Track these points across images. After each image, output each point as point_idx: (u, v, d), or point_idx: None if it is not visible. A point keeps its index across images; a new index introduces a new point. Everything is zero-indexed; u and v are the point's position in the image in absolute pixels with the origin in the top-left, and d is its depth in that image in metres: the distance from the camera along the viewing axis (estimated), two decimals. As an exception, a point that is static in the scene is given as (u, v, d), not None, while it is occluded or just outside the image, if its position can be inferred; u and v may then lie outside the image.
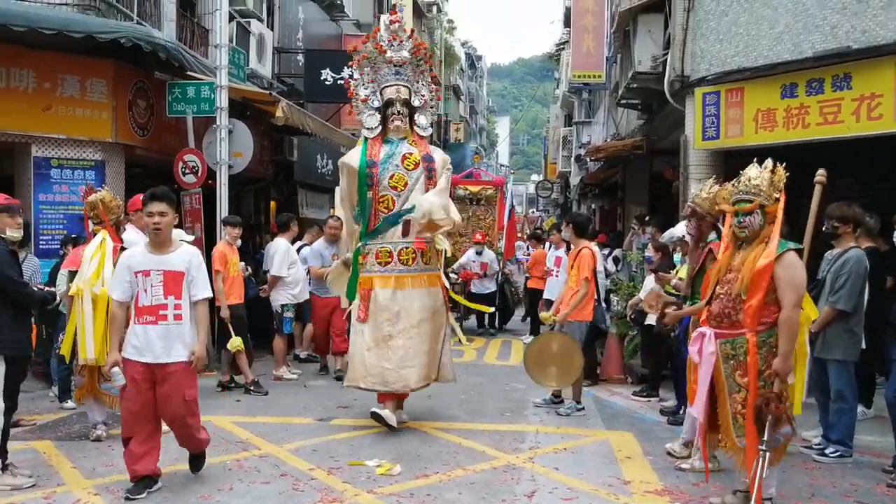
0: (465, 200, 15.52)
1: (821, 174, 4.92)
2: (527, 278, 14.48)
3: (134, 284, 5.00)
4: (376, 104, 7.05)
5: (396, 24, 7.18)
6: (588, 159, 20.28)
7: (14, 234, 5.52)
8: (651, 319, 8.43)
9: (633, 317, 9.01)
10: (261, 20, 14.35)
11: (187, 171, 10.31)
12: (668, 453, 6.22)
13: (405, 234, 6.85)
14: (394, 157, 6.87)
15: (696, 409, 4.95)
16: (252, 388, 8.52)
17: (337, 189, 8.67)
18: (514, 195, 18.19)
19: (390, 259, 6.82)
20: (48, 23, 8.51)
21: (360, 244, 6.99)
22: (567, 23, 27.37)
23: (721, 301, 4.82)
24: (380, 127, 7.03)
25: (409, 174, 6.86)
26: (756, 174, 4.76)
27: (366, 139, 7.02)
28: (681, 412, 7.11)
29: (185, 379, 5.04)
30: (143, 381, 4.99)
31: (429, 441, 6.63)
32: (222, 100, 10.22)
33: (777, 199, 4.69)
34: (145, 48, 9.11)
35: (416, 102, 7.14)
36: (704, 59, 9.70)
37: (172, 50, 9.62)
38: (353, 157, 6.98)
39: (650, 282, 8.43)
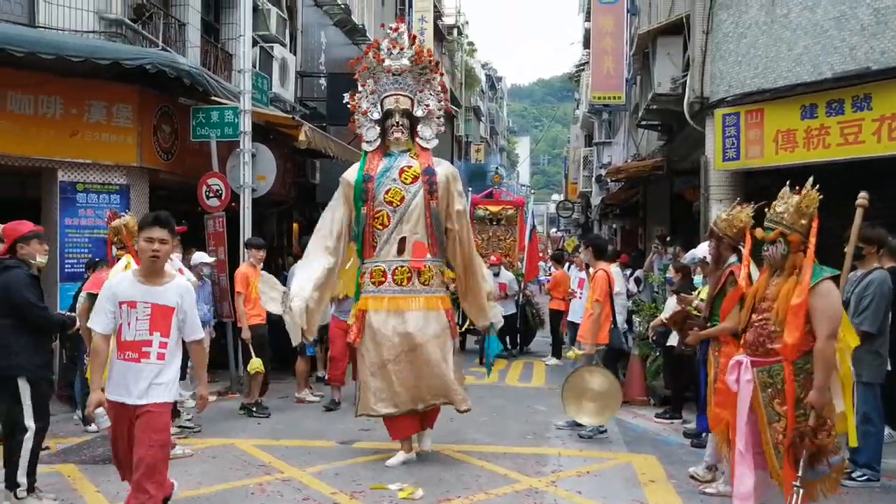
0: (484, 221, 15.34)
1: (863, 197, 4.78)
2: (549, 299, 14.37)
3: (117, 315, 4.40)
4: (376, 116, 6.67)
5: (396, 33, 6.76)
6: (609, 180, 20.27)
7: (42, 259, 5.62)
8: (673, 340, 8.38)
9: (654, 338, 8.97)
10: (283, 45, 14.54)
11: (211, 194, 10.43)
12: (692, 477, 6.17)
13: (400, 251, 6.38)
14: (391, 170, 6.46)
15: (739, 439, 4.87)
16: (255, 408, 8.52)
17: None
18: (535, 215, 18.01)
19: (384, 279, 6.38)
20: (76, 50, 8.68)
21: (358, 263, 6.79)
22: (587, 44, 27.47)
23: (756, 329, 4.73)
24: (379, 140, 6.66)
25: (407, 188, 6.40)
26: (782, 201, 4.63)
27: (365, 153, 6.67)
28: (704, 435, 7.05)
29: (159, 421, 4.39)
30: (125, 422, 4.42)
31: (451, 464, 6.62)
32: (246, 124, 10.35)
33: (803, 227, 4.54)
34: (170, 74, 9.25)
35: (418, 112, 6.67)
36: (724, 80, 9.72)
37: (196, 75, 9.77)
38: (351, 173, 6.64)
39: (672, 303, 8.40)
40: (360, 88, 6.79)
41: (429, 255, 6.42)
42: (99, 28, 9.97)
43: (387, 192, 6.41)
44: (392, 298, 6.35)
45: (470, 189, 17.32)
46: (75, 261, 9.48)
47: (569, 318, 11.81)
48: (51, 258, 6.24)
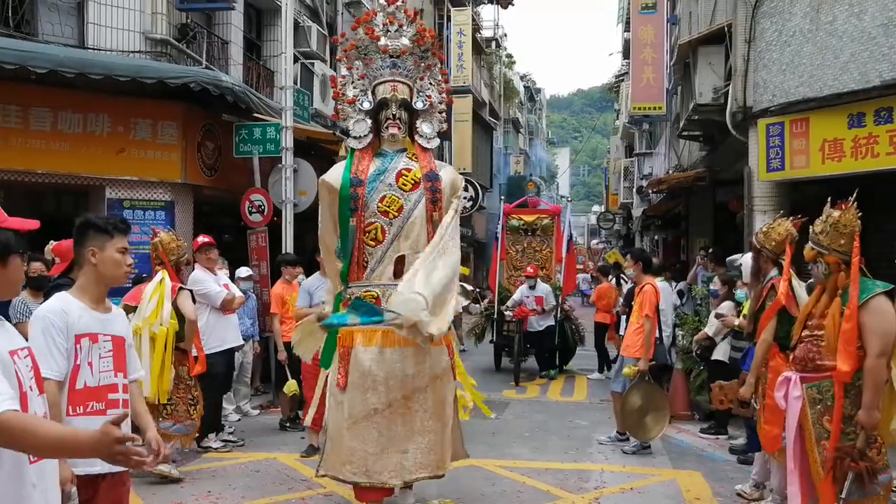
0: (518, 231, 14.48)
1: None
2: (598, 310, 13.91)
3: (72, 355, 3.19)
4: (366, 106, 5.33)
5: (393, 6, 5.50)
6: (650, 191, 20.09)
7: None
8: (718, 354, 8.26)
9: (698, 352, 8.84)
10: (324, 61, 14.71)
11: (253, 209, 10.56)
12: (739, 494, 6.06)
13: (397, 273, 5.01)
14: (386, 173, 5.14)
15: (789, 457, 4.77)
16: (288, 423, 8.56)
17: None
18: (575, 226, 17.67)
19: (377, 306, 4.97)
20: (123, 70, 8.89)
21: (341, 288, 5.27)
22: (626, 54, 27.33)
23: (805, 345, 4.64)
24: (370, 135, 5.31)
25: (406, 196, 5.11)
26: (821, 220, 4.53)
27: (352, 151, 5.32)
28: (751, 452, 6.92)
29: (127, 498, 3.51)
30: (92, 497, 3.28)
31: (492, 479, 6.58)
32: (287, 140, 10.48)
33: (842, 246, 4.42)
34: (213, 92, 9.42)
35: (418, 105, 5.39)
36: (767, 89, 9.58)
37: (239, 93, 9.93)
38: (334, 174, 5.26)
39: (710, 316, 8.31)
40: (345, 71, 5.49)
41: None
42: (145, 48, 10.21)
43: (381, 201, 5.09)
44: (387, 332, 4.86)
45: (502, 198, 17.21)
46: (122, 276, 9.64)
47: (621, 332, 11.55)
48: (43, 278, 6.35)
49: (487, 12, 35.87)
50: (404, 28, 5.43)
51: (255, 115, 10.62)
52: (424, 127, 5.42)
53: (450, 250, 5.05)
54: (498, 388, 11.45)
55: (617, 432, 8.04)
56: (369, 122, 5.33)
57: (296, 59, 12.61)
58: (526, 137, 56.07)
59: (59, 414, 3.01)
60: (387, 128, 5.25)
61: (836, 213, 4.47)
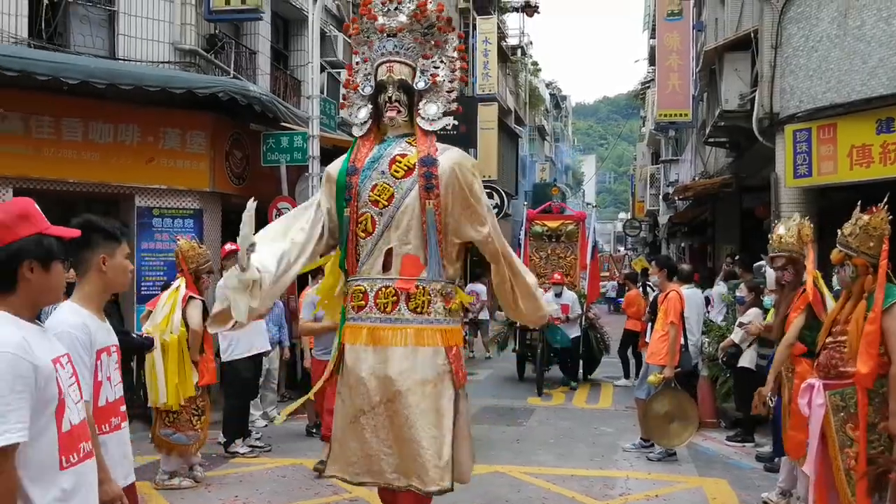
0: (542, 237, 14.08)
1: None
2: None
3: (93, 370, 3.00)
4: (367, 90, 4.91)
5: None
6: (676, 198, 19.98)
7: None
8: (744, 361, 8.21)
9: (724, 359, 8.78)
10: (349, 70, 14.82)
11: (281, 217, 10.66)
12: (765, 502, 6.00)
13: (386, 267, 4.60)
14: (380, 160, 4.69)
15: (808, 465, 4.73)
16: (314, 429, 8.61)
17: None
18: (601, 234, 17.50)
19: (364, 302, 4.59)
20: (152, 80, 9.05)
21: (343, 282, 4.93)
22: (652, 61, 27.25)
23: (829, 352, 4.60)
24: (370, 121, 4.88)
25: (398, 183, 4.59)
26: (850, 223, 4.48)
27: (356, 140, 4.96)
28: (776, 459, 6.86)
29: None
30: None
31: (517, 486, 6.59)
32: (314, 148, 10.58)
33: (871, 249, 4.37)
34: (241, 101, 9.55)
35: (419, 84, 4.84)
36: (794, 95, 9.51)
37: (267, 102, 10.06)
38: (334, 165, 4.92)
39: (736, 323, 8.26)
40: (356, 59, 5.14)
41: (424, 274, 4.58)
42: (174, 58, 10.38)
43: (372, 189, 4.62)
44: (372, 329, 4.56)
45: (525, 203, 17.05)
46: (151, 283, 9.81)
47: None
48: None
49: (513, 20, 36.10)
50: (403, 5, 4.93)
51: (283, 124, 10.74)
52: (427, 108, 4.84)
53: (517, 259, 4.97)
54: (522, 396, 11.43)
55: (641, 439, 8.01)
56: (370, 107, 4.87)
57: (322, 69, 12.74)
58: (552, 145, 56.01)
59: (95, 433, 2.77)
60: (386, 111, 4.76)
61: (866, 217, 4.43)
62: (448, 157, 4.63)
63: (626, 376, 13.00)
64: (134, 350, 6.08)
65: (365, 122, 4.84)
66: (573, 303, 12.52)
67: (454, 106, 4.90)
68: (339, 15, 15.32)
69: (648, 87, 31.84)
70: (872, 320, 4.27)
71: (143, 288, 9.75)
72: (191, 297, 6.51)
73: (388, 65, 4.80)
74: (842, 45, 8.98)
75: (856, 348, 4.35)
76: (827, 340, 4.66)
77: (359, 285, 4.63)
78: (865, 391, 4.34)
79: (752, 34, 10.72)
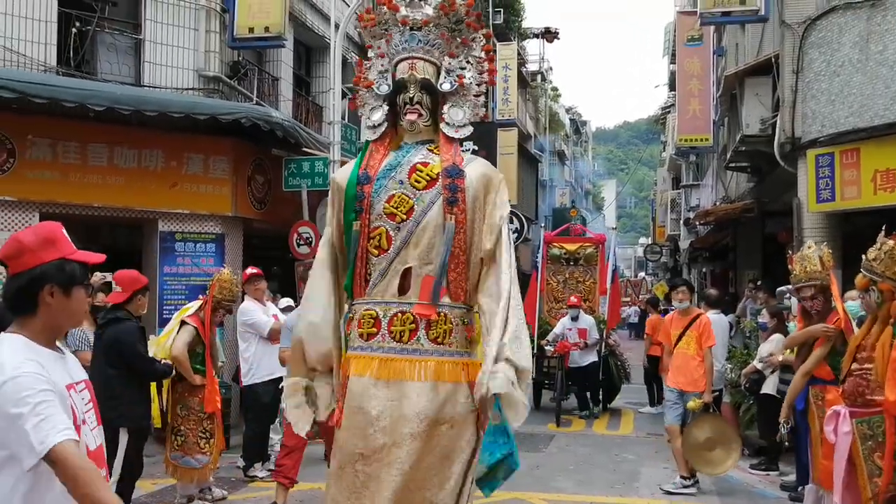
0: (560, 260, 13.58)
1: None
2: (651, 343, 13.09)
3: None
4: (383, 90, 4.29)
5: None
6: (697, 223, 19.89)
7: (143, 311, 5.93)
8: (768, 388, 8.10)
9: (748, 385, 8.66)
10: (370, 96, 14.95)
11: (301, 242, 10.74)
12: (790, 533, 5.89)
13: (403, 290, 3.99)
14: (398, 168, 4.07)
15: (836, 495, 4.65)
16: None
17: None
18: (622, 259, 17.14)
19: (376, 329, 3.97)
20: (177, 107, 9.19)
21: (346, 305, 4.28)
22: (672, 87, 27.25)
23: (855, 379, 4.56)
24: (385, 124, 4.25)
25: (419, 195, 4.01)
26: (875, 248, 4.44)
27: (367, 144, 4.35)
28: (801, 489, 6.74)
29: None
30: None
31: (536, 513, 6.52)
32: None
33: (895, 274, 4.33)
34: (264, 127, 9.66)
35: (445, 86, 4.25)
36: (816, 120, 9.47)
37: (289, 128, 10.16)
38: (343, 171, 4.33)
39: (765, 349, 8.15)
40: (369, 54, 4.51)
41: (446, 299, 3.99)
42: (198, 85, 10.51)
43: (388, 201, 4.02)
44: (386, 360, 3.92)
45: (542, 226, 16.91)
46: (172, 307, 9.85)
47: None
48: (150, 304, 6.57)
49: (533, 46, 36.12)
50: None
51: (304, 149, 10.84)
52: (453, 113, 4.25)
53: (516, 298, 3.99)
54: (540, 422, 11.28)
55: (681, 477, 7.50)
56: (386, 108, 4.26)
57: (344, 95, 12.85)
58: (571, 170, 56.02)
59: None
60: (405, 114, 4.15)
61: (891, 242, 4.39)
62: (475, 168, 4.14)
63: (651, 403, 12.85)
64: (158, 378, 6.15)
65: (379, 124, 4.24)
66: (591, 328, 12.00)
67: (482, 112, 4.42)
68: (361, 42, 15.47)
69: (669, 112, 31.82)
70: None
71: (164, 312, 9.81)
72: (183, 323, 6.47)
73: (409, 61, 4.22)
74: (864, 69, 8.95)
75: (883, 375, 4.27)
76: (852, 367, 4.60)
77: (369, 309, 3.99)
78: (894, 419, 4.26)
79: (773, 59, 10.71)
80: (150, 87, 10.13)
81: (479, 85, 4.35)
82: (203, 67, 10.63)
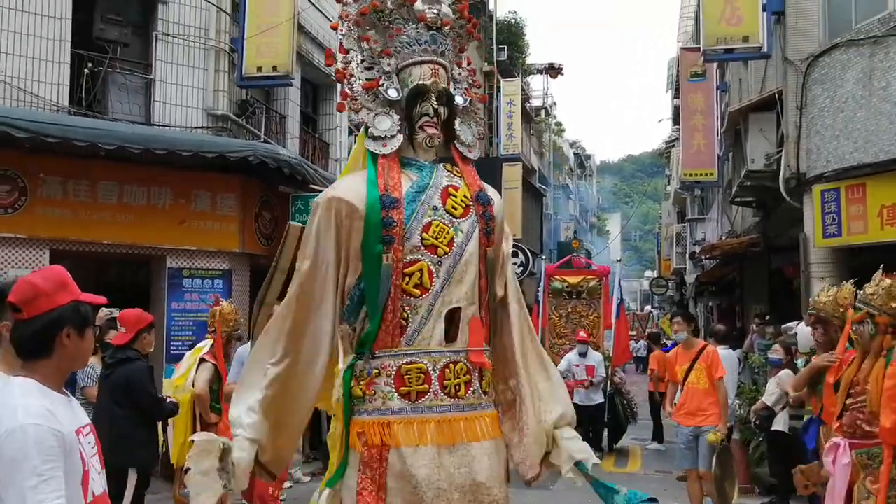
0: (562, 294, 12.98)
1: None
2: (658, 379, 13.10)
3: (77, 461, 2.32)
4: (392, 94, 3.57)
5: None
6: (703, 257, 19.88)
7: (150, 349, 5.94)
8: (778, 424, 8.03)
9: (757, 422, 8.58)
10: (377, 132, 15.09)
11: (308, 278, 10.75)
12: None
13: (451, 335, 3.40)
14: (428, 192, 3.46)
15: None
16: None
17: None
18: (628, 292, 16.71)
19: (427, 385, 3.32)
20: (185, 145, 9.29)
21: (350, 357, 3.40)
22: (676, 121, 27.41)
23: (851, 413, 4.63)
24: (400, 137, 3.56)
25: (458, 224, 3.46)
26: (873, 283, 4.59)
27: (371, 157, 3.55)
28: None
29: None
30: None
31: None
32: (341, 210, 10.70)
33: (894, 310, 4.46)
34: (271, 164, 9.75)
35: (458, 100, 3.71)
36: (821, 155, 9.52)
37: (296, 165, 10.26)
38: (350, 189, 3.48)
39: (772, 386, 8.09)
40: (350, 42, 3.69)
41: (485, 343, 3.52)
42: (207, 123, 10.64)
43: (426, 230, 3.39)
44: (444, 421, 3.32)
45: (544, 258, 16.69)
46: (180, 343, 9.88)
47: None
48: (158, 340, 6.58)
49: (537, 82, 36.52)
50: None
51: (311, 185, 10.91)
52: (464, 131, 3.76)
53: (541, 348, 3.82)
54: None
55: None
56: (396, 117, 3.57)
57: (350, 132, 12.99)
58: (576, 203, 56.18)
59: None
60: (422, 128, 3.54)
61: (888, 281, 4.52)
62: (496, 196, 3.69)
63: (657, 439, 12.75)
64: (166, 417, 6.14)
65: (393, 135, 3.53)
66: (598, 364, 11.42)
67: (483, 133, 3.94)
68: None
69: (673, 146, 31.97)
70: (892, 375, 4.29)
71: (172, 348, 9.83)
72: (202, 360, 6.47)
73: (432, 66, 3.58)
74: (868, 105, 9.01)
75: (877, 404, 4.35)
76: (848, 402, 4.70)
77: (415, 362, 3.32)
78: (892, 448, 4.30)
79: (777, 95, 10.79)
80: (159, 125, 10.25)
81: (474, 102, 3.87)
82: (212, 106, 10.76)
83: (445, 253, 3.39)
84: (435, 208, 3.40)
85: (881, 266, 4.70)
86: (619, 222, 73.03)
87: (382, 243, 3.26)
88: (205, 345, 6.67)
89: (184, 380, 6.45)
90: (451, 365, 3.35)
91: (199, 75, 10.70)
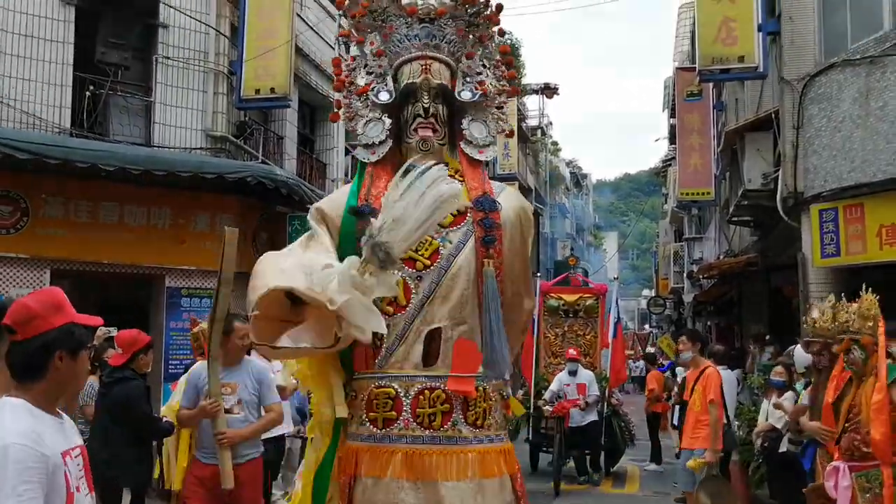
0: (558, 312, 12.58)
1: None
2: (656, 400, 13.02)
3: (60, 485, 2.25)
4: (383, 97, 3.35)
5: None
6: (701, 277, 19.89)
7: (147, 369, 5.92)
8: (784, 447, 7.96)
9: (765, 444, 8.39)
10: (375, 153, 15.15)
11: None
12: None
13: (430, 358, 3.10)
14: None
15: None
16: None
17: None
18: (625, 311, 16.38)
19: (396, 413, 3.04)
20: (184, 166, 9.36)
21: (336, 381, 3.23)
22: (672, 140, 27.52)
23: (849, 435, 4.70)
24: (389, 142, 3.32)
25: (444, 234, 3.16)
26: (843, 311, 4.80)
27: (361, 166, 3.38)
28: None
29: None
30: None
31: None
32: (339, 230, 10.72)
33: (871, 329, 4.59)
34: (269, 185, 9.79)
35: (464, 95, 3.38)
36: (818, 175, 9.55)
37: (293, 185, 10.30)
38: (333, 200, 3.40)
39: (766, 406, 8.06)
40: (352, 48, 3.57)
41: (482, 369, 3.11)
42: (205, 145, 10.69)
43: None
44: (413, 453, 2.99)
45: (538, 275, 16.40)
46: (178, 362, 9.86)
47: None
48: (156, 359, 6.57)
49: (532, 102, 36.66)
50: None
51: (308, 205, 10.90)
52: (474, 129, 3.38)
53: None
54: (540, 481, 10.78)
55: None
56: (388, 121, 3.30)
57: (347, 152, 13.05)
58: (573, 222, 56.26)
59: None
60: (414, 130, 3.25)
61: (855, 305, 4.76)
62: (509, 200, 3.33)
63: (655, 460, 12.66)
64: (161, 436, 6.11)
65: (380, 142, 3.26)
66: (590, 383, 10.99)
67: (507, 128, 3.54)
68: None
69: (670, 165, 32.07)
70: (879, 389, 4.41)
71: (170, 367, 9.82)
72: None
73: (423, 62, 3.28)
74: (865, 125, 9.05)
75: (867, 420, 4.47)
76: (846, 425, 4.77)
77: (384, 386, 3.01)
78: (891, 471, 4.36)
79: (773, 115, 10.83)
80: (159, 147, 10.30)
81: (499, 94, 3.48)
82: (210, 127, 10.81)
83: (426, 266, 3.07)
84: None
85: (865, 286, 4.84)
86: (615, 241, 73.16)
87: (356, 255, 2.88)
88: (194, 368, 6.64)
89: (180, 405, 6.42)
90: (428, 391, 3.01)
91: (199, 97, 10.75)
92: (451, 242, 3.12)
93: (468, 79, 3.40)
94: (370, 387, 3.06)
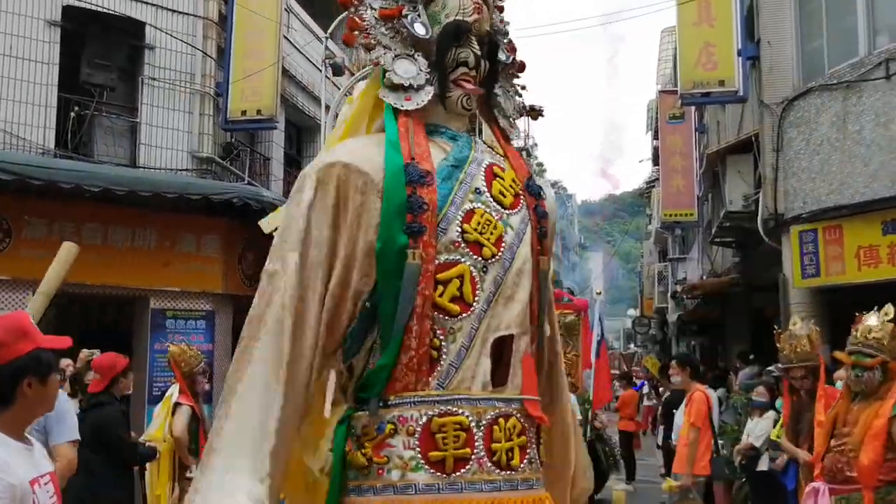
0: None
1: None
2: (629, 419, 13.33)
3: None
4: (420, 30, 2.36)
5: None
6: (684, 297, 20.01)
7: (128, 391, 5.89)
8: (764, 465, 8.02)
9: (744, 462, 8.51)
10: (360, 174, 15.21)
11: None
12: None
13: (500, 376, 2.23)
14: (470, 169, 2.32)
15: None
16: None
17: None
18: (610, 331, 16.18)
19: (468, 447, 2.11)
20: (170, 187, 9.36)
21: (344, 407, 2.26)
22: (656, 161, 27.78)
23: (834, 455, 4.57)
24: (430, 90, 2.34)
25: (507, 217, 2.31)
26: (878, 325, 4.46)
27: (390, 114, 2.33)
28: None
29: None
30: None
31: None
32: (325, 251, 10.74)
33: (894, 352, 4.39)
34: (255, 206, 9.79)
35: (501, 55, 2.55)
36: (798, 197, 9.68)
37: (280, 206, 10.29)
38: (358, 154, 2.24)
39: (751, 426, 8.10)
40: None
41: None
42: (191, 166, 10.70)
43: (467, 219, 2.23)
44: (494, 502, 2.14)
45: None
46: (163, 384, 9.77)
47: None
48: (140, 381, 6.54)
49: (518, 123, 36.93)
50: None
51: (295, 227, 10.95)
52: (506, 102, 2.71)
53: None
54: None
55: None
56: (423, 62, 2.37)
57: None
58: (558, 242, 56.50)
59: None
60: (457, 82, 2.37)
61: (891, 325, 4.45)
62: (548, 188, 2.63)
63: (629, 478, 12.64)
64: (141, 461, 6.08)
65: (420, 85, 2.35)
66: (573, 406, 10.55)
67: (522, 103, 2.82)
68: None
69: (654, 186, 32.33)
70: (883, 414, 4.27)
71: (154, 389, 9.74)
72: (177, 405, 6.39)
73: (474, 1, 2.40)
74: (842, 148, 9.20)
75: (859, 442, 4.31)
76: (832, 443, 4.61)
77: (452, 413, 2.14)
78: (873, 496, 4.28)
79: (754, 137, 10.99)
80: (145, 168, 10.31)
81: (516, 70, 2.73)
82: (196, 149, 10.83)
83: (493, 255, 2.25)
84: (478, 191, 2.30)
85: (853, 311, 4.74)
86: (600, 261, 73.41)
87: (408, 234, 2.15)
88: (172, 391, 6.61)
89: (160, 432, 6.38)
90: (503, 420, 2.19)
91: (185, 119, 10.78)
92: (511, 228, 2.31)
93: (500, 37, 2.59)
94: (429, 415, 2.13)
